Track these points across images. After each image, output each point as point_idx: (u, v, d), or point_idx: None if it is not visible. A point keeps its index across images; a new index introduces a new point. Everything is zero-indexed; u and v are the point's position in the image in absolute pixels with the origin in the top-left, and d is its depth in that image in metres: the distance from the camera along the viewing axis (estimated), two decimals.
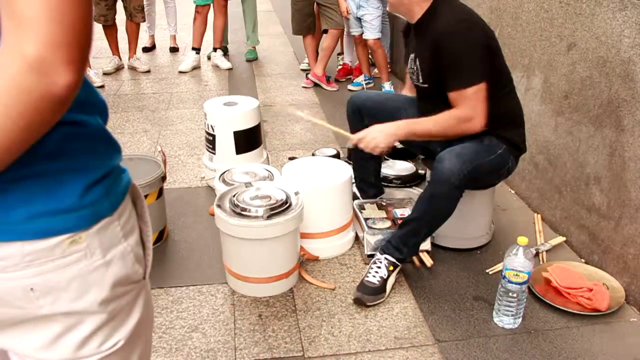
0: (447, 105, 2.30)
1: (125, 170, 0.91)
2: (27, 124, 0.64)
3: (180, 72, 5.64)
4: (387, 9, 2.52)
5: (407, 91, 2.82)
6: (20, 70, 0.61)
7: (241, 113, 3.08)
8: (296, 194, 2.36)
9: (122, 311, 0.86)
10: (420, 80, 2.42)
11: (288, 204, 2.29)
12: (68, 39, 0.62)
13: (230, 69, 5.74)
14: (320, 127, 2.57)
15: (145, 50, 6.45)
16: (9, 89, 0.61)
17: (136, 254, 0.88)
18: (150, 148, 3.82)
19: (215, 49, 5.86)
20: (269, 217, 2.19)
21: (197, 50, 5.80)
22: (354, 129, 2.73)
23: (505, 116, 2.30)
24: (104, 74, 5.50)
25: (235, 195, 2.33)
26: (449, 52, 2.23)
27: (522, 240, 2.05)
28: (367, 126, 2.65)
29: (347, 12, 4.78)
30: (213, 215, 2.38)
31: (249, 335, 2.14)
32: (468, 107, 2.23)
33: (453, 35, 2.23)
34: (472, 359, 2.02)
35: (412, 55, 2.47)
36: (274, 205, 2.24)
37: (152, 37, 6.59)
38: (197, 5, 5.65)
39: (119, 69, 5.66)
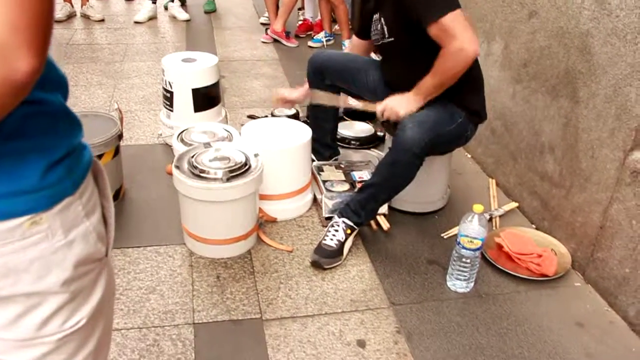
0: (412, 61, 2.31)
1: (87, 146, 0.88)
2: None
3: (136, 22, 5.46)
4: None
5: (352, 49, 2.83)
6: None
7: (200, 70, 3.02)
8: (255, 155, 2.34)
9: (84, 290, 0.85)
10: (386, 35, 2.39)
11: (247, 166, 2.27)
12: (28, 21, 0.60)
13: (188, 21, 5.58)
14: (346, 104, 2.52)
15: None
16: None
17: (98, 232, 0.87)
18: (105, 102, 3.71)
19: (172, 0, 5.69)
20: (228, 179, 2.18)
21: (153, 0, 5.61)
22: (314, 88, 2.72)
23: (465, 81, 2.30)
24: (55, 21, 5.27)
25: (194, 156, 2.30)
26: None
27: (478, 208, 2.10)
28: (328, 86, 2.66)
29: None
30: (170, 174, 2.35)
31: (207, 297, 2.15)
32: (452, 39, 2.15)
33: None
34: (425, 322, 2.08)
35: (375, 16, 2.44)
36: (233, 168, 2.22)
37: None
38: None
39: (70, 16, 5.45)
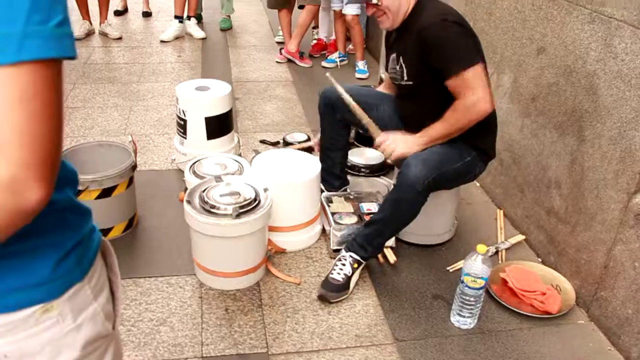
0: (428, 104, 2.34)
1: (95, 229, 0.93)
2: None
3: (162, 41, 5.54)
4: (387, 26, 2.47)
5: (383, 89, 2.85)
6: None
7: (213, 99, 3.08)
8: (265, 190, 2.40)
9: None
10: (405, 78, 2.43)
11: (257, 202, 2.33)
12: (39, 159, 0.65)
13: (204, 39, 5.66)
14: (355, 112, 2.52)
15: (117, 13, 6.32)
16: None
17: (106, 312, 0.92)
18: (121, 125, 3.80)
19: (189, 17, 5.77)
20: (238, 215, 2.24)
21: (180, 18, 5.69)
22: (324, 123, 2.78)
23: (479, 122, 2.34)
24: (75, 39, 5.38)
25: (205, 191, 2.36)
26: (437, 42, 2.22)
27: (481, 248, 2.14)
28: (338, 121, 2.71)
29: None
30: (182, 201, 2.41)
31: (216, 329, 2.21)
32: (469, 93, 2.19)
33: (438, 25, 2.23)
34: (428, 359, 2.12)
35: (393, 56, 2.48)
36: (242, 204, 2.28)
37: (125, 0, 6.45)
38: None
39: (89, 34, 5.55)
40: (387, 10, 2.34)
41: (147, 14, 6.37)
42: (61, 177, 0.84)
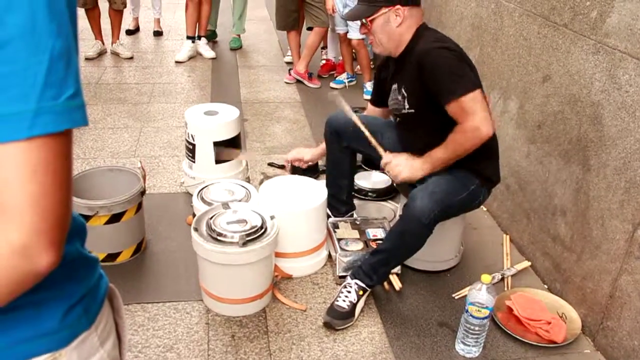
0: (429, 132, 2.36)
1: (102, 276, 0.96)
2: (9, 292, 0.69)
3: (177, 62, 5.61)
4: (377, 51, 2.54)
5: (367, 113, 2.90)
6: (6, 255, 0.66)
7: (221, 124, 3.12)
8: (272, 218, 2.42)
9: None
10: (407, 107, 2.46)
11: (264, 230, 2.35)
12: (50, 225, 0.68)
13: (214, 58, 5.73)
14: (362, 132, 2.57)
15: (129, 33, 6.40)
16: None
17: (113, 357, 0.94)
18: (131, 147, 3.84)
19: (199, 37, 5.83)
20: (245, 243, 2.26)
21: (192, 38, 5.76)
22: (330, 149, 2.81)
23: (481, 149, 2.36)
24: (86, 59, 5.47)
25: (213, 218, 2.39)
26: (436, 67, 2.25)
27: (486, 278, 2.15)
28: (344, 148, 2.74)
29: (333, 10, 4.80)
30: (190, 225, 2.44)
31: (222, 356, 2.22)
32: (470, 117, 2.21)
33: (437, 51, 2.27)
34: None
35: (394, 87, 2.51)
36: (249, 232, 2.30)
37: (136, 19, 6.54)
38: None
39: (101, 54, 5.63)
40: (376, 37, 2.40)
41: (158, 33, 6.45)
42: (71, 229, 0.87)
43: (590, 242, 2.41)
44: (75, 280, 0.87)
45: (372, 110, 2.85)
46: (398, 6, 2.34)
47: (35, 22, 0.64)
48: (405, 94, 2.43)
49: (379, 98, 2.73)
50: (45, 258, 0.68)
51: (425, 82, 2.30)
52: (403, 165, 2.35)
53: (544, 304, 2.49)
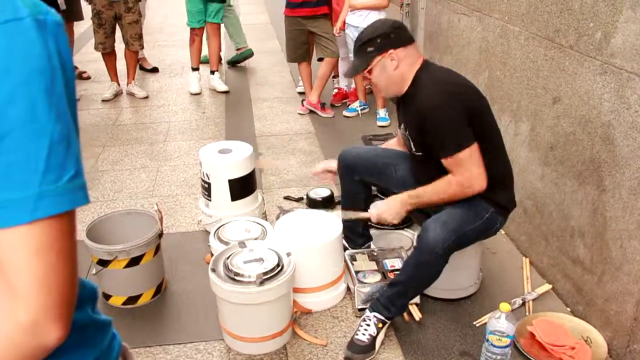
0: (442, 169, 2.37)
1: (115, 336, 0.98)
2: None
3: (193, 94, 5.79)
4: (383, 95, 2.62)
5: (395, 145, 2.90)
6: (15, 333, 0.69)
7: (235, 162, 3.16)
8: (288, 255, 2.44)
9: None
10: (414, 149, 2.50)
11: (280, 267, 2.36)
12: (56, 302, 0.70)
13: (227, 92, 5.81)
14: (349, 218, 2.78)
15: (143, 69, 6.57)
16: (5, 347, 0.69)
17: None
18: (148, 187, 3.90)
19: (212, 72, 5.93)
20: (262, 282, 2.27)
21: (196, 70, 5.91)
22: (344, 184, 2.82)
23: (494, 179, 2.36)
24: (103, 101, 5.58)
25: (229, 258, 2.41)
26: (431, 124, 2.30)
27: (505, 307, 2.13)
28: (357, 182, 2.75)
29: (339, 31, 4.84)
30: (209, 263, 2.46)
31: None
32: (464, 172, 2.28)
33: (434, 109, 2.29)
34: None
35: (402, 125, 2.55)
36: (266, 270, 2.31)
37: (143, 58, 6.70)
38: (192, 28, 5.73)
39: (117, 95, 5.74)
40: (377, 83, 2.47)
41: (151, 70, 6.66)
42: (81, 296, 0.89)
43: (610, 264, 2.38)
44: (88, 344, 0.89)
45: (400, 135, 2.84)
46: (390, 50, 2.37)
47: (35, 111, 0.67)
48: (410, 138, 2.46)
49: None
50: (53, 334, 0.71)
51: (424, 135, 2.36)
52: (385, 211, 2.45)
53: (567, 329, 2.46)
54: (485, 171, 2.31)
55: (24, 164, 0.67)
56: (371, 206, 2.54)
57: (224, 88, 5.87)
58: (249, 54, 6.71)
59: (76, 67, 6.38)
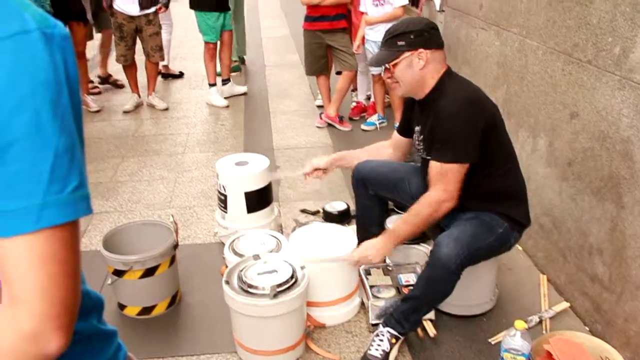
0: None
1: (120, 346, 0.98)
2: None
3: (223, 107, 5.87)
4: (399, 94, 2.56)
5: (391, 145, 2.91)
6: (17, 341, 0.70)
7: (252, 175, 3.17)
8: (302, 268, 2.43)
9: None
10: (425, 154, 2.49)
11: (294, 280, 2.36)
12: (58, 312, 0.71)
13: (245, 94, 6.11)
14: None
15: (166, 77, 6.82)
16: (6, 355, 0.70)
17: None
18: (166, 198, 3.93)
19: (226, 81, 6.12)
20: (275, 295, 2.27)
21: (213, 85, 5.96)
22: (359, 199, 2.82)
23: (507, 193, 2.34)
24: (124, 112, 5.65)
25: (244, 270, 2.41)
26: (444, 129, 2.30)
27: (520, 324, 2.10)
28: (372, 196, 2.74)
29: (358, 48, 4.86)
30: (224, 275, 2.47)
31: None
32: (442, 186, 2.29)
33: (452, 115, 2.29)
34: None
35: (417, 128, 2.53)
36: (280, 283, 2.31)
37: (166, 66, 6.85)
38: (210, 43, 5.80)
39: (138, 106, 5.81)
40: (399, 80, 2.41)
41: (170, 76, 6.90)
42: (86, 306, 0.89)
43: (630, 282, 2.34)
44: (93, 354, 0.90)
45: (397, 139, 2.83)
46: (421, 50, 2.36)
47: (40, 122, 0.68)
48: (423, 143, 2.44)
49: (405, 129, 2.74)
50: (54, 343, 0.71)
51: (436, 132, 2.35)
52: (369, 251, 2.41)
53: (585, 348, 2.41)
54: (459, 194, 2.31)
55: (29, 174, 0.68)
56: (352, 250, 2.52)
57: (243, 89, 6.19)
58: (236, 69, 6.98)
59: (110, 75, 6.60)
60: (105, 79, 6.53)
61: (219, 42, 5.85)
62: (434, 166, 2.31)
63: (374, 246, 2.40)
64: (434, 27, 2.43)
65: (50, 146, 0.69)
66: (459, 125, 2.28)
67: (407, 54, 2.37)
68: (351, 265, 2.53)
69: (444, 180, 2.28)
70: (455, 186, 2.28)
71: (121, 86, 6.36)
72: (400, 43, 2.37)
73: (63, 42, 0.73)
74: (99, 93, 6.29)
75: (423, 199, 2.32)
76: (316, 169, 2.89)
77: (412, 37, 2.35)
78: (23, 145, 0.68)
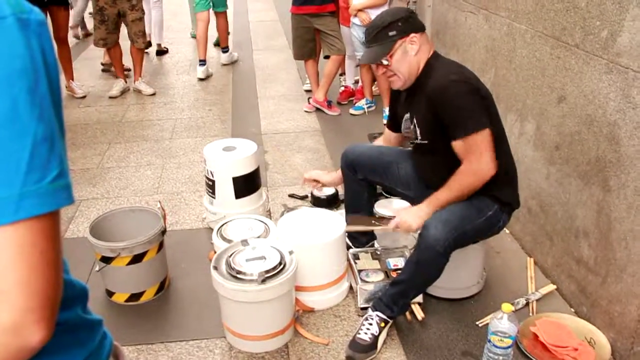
0: (445, 160, 2.36)
1: (106, 335, 0.97)
2: None
3: (200, 79, 6.21)
4: (398, 86, 2.52)
5: (384, 141, 2.91)
6: None
7: (239, 160, 3.16)
8: (290, 253, 2.43)
9: None
10: (419, 138, 2.48)
11: (282, 265, 2.36)
12: (39, 304, 0.70)
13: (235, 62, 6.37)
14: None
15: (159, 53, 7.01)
16: None
17: None
18: (153, 184, 3.91)
19: (225, 49, 6.62)
20: (263, 281, 2.27)
21: (204, 62, 6.20)
22: (347, 182, 2.81)
23: (498, 174, 2.34)
24: (110, 97, 5.60)
25: (232, 256, 2.41)
26: (448, 102, 2.27)
27: (507, 307, 2.12)
28: (361, 180, 2.74)
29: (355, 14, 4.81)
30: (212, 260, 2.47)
31: None
32: (475, 157, 2.26)
33: (449, 87, 2.28)
34: None
35: (406, 116, 2.53)
36: (268, 269, 2.31)
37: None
38: (198, 12, 6.06)
39: (124, 92, 5.76)
40: (397, 72, 2.40)
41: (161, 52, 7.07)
42: (70, 296, 0.88)
43: (614, 265, 2.36)
44: (78, 345, 0.89)
45: (388, 134, 2.84)
46: (412, 34, 2.36)
47: (16, 110, 0.66)
48: (417, 126, 2.43)
49: (395, 123, 2.73)
50: (36, 335, 0.70)
51: (437, 115, 2.31)
52: (409, 218, 2.38)
53: (570, 329, 2.44)
54: (494, 158, 2.28)
55: (6, 163, 0.66)
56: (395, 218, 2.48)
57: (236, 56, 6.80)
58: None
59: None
60: (110, 66, 6.47)
61: (212, 17, 6.18)
62: (458, 145, 2.29)
63: (416, 213, 2.37)
64: (413, 12, 2.47)
65: (28, 135, 0.67)
66: (460, 95, 2.26)
67: (400, 42, 2.38)
68: (393, 230, 2.50)
69: (475, 152, 2.25)
70: (487, 154, 2.25)
71: (127, 69, 6.25)
72: (391, 33, 2.37)
73: (39, 28, 0.71)
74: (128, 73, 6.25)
75: (463, 168, 2.29)
76: (315, 180, 2.97)
77: (400, 24, 2.36)
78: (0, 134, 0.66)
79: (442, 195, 2.33)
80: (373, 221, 2.67)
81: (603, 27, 2.33)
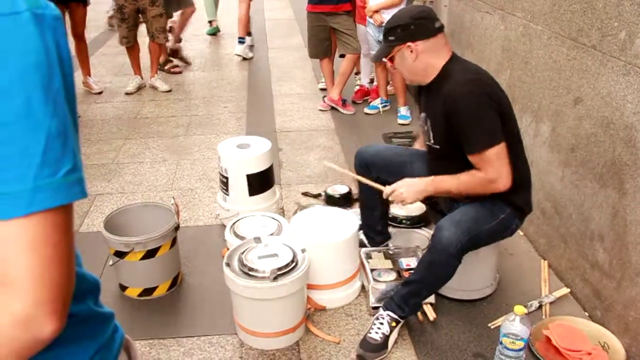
0: (458, 166, 2.34)
1: (117, 328, 0.98)
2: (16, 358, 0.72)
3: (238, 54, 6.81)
4: (407, 81, 2.59)
5: (420, 145, 2.88)
6: (9, 326, 0.69)
7: (253, 157, 3.17)
8: (303, 251, 2.44)
9: None
10: (432, 141, 2.47)
11: (295, 263, 2.36)
12: (51, 296, 0.70)
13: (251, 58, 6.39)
14: (352, 178, 2.75)
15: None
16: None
17: None
18: (168, 180, 3.93)
19: (242, 39, 6.82)
20: (276, 278, 2.28)
21: (242, 39, 6.72)
22: (362, 182, 2.80)
23: (514, 180, 2.32)
24: (126, 94, 5.64)
25: (244, 253, 2.41)
26: (463, 115, 2.25)
27: (519, 309, 2.11)
28: (375, 180, 2.74)
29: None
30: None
31: None
32: (491, 170, 2.25)
33: (465, 98, 2.25)
34: None
35: (423, 115, 2.52)
36: (280, 266, 2.31)
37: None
38: None
39: (140, 88, 5.79)
40: (401, 72, 2.47)
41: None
42: (82, 289, 0.89)
43: (630, 269, 2.34)
44: (89, 336, 0.90)
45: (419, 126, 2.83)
46: (409, 43, 2.35)
47: (30, 105, 0.67)
48: (431, 129, 2.43)
49: None
50: (47, 328, 0.71)
51: (450, 124, 2.31)
52: (404, 189, 2.38)
53: (584, 333, 2.42)
54: (511, 170, 2.28)
55: (20, 157, 0.67)
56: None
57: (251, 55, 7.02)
58: (217, 30, 8.07)
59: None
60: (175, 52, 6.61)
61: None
62: (472, 159, 2.29)
63: (411, 185, 2.38)
64: (424, 17, 2.38)
65: (42, 129, 0.68)
66: (475, 108, 2.24)
67: (397, 48, 2.40)
68: (385, 196, 2.49)
69: (494, 166, 2.25)
70: (503, 167, 2.25)
71: (188, 63, 6.63)
72: (391, 38, 2.40)
73: (54, 23, 0.71)
74: (179, 72, 6.34)
75: (480, 175, 2.28)
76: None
77: (399, 31, 2.37)
78: (13, 128, 0.66)
79: (447, 184, 2.34)
80: (372, 183, 2.63)
81: (621, 29, 2.31)
